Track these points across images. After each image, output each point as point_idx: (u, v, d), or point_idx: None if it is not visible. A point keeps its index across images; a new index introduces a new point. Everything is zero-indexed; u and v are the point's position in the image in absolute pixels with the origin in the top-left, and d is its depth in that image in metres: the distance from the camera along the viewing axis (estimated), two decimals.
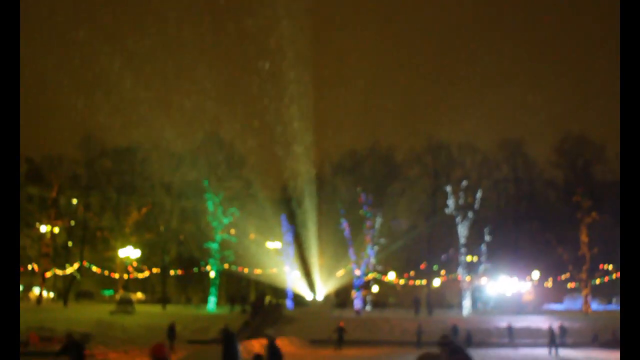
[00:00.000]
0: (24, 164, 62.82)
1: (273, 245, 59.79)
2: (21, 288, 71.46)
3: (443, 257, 58.97)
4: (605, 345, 37.18)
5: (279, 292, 61.64)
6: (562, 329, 37.49)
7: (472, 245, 56.90)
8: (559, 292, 68.40)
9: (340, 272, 59.79)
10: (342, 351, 34.62)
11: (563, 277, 62.22)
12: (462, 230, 56.43)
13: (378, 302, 65.85)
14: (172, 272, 65.88)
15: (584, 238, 56.63)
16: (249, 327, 41.03)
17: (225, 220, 56.87)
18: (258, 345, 30.15)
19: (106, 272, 63.72)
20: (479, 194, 56.26)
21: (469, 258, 57.31)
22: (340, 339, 35.60)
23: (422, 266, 62.73)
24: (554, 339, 33.90)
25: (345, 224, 57.96)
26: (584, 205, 56.27)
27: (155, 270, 64.28)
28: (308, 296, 59.08)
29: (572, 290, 66.53)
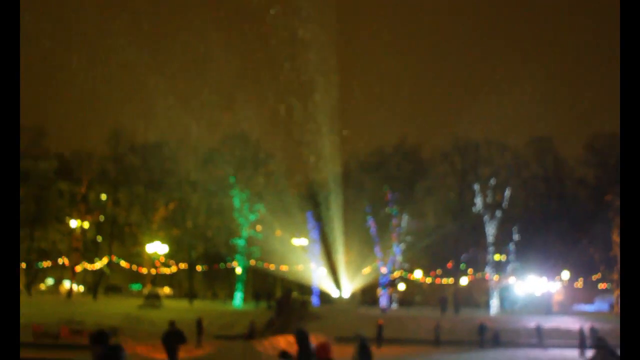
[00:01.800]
0: (55, 160, 63.92)
1: (299, 242, 59.87)
2: (52, 281, 72.84)
3: (463, 256, 58.43)
4: None
5: (305, 289, 61.70)
6: (593, 331, 36.78)
7: (500, 244, 56.27)
8: (589, 293, 67.24)
9: (367, 270, 59.62)
10: (382, 349, 34.33)
11: (594, 277, 61.13)
12: (490, 229, 55.81)
13: (404, 300, 65.54)
14: (198, 268, 66.40)
15: (615, 238, 55.50)
16: (273, 324, 41.10)
17: (252, 217, 57.11)
18: (284, 341, 30.16)
19: (134, 267, 64.50)
20: (507, 193, 55.55)
21: (497, 257, 56.66)
22: (379, 336, 35.34)
23: (449, 265, 62.20)
24: (584, 341, 33.29)
25: (371, 222, 57.74)
26: (615, 205, 55.14)
27: (182, 265, 64.88)
28: (334, 293, 59.05)
29: (603, 291, 65.35)
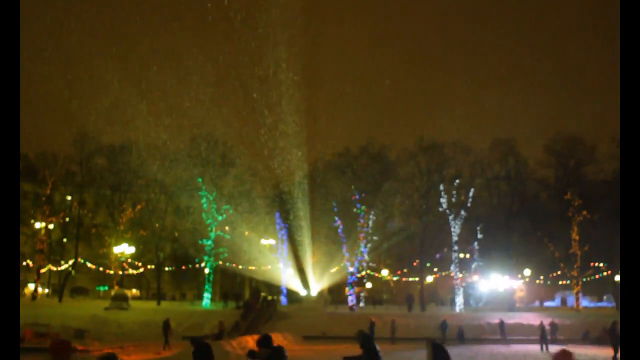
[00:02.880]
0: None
1: (267, 242, 60.08)
2: None
3: (438, 255, 59.41)
4: (596, 341, 37.72)
5: (273, 289, 61.94)
6: (554, 326, 37.98)
7: (465, 243, 57.39)
8: (550, 290, 69.04)
9: (334, 269, 60.13)
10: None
11: (554, 274, 62.82)
12: (455, 228, 56.87)
13: (372, 299, 66.25)
14: (166, 269, 66.07)
15: (575, 236, 57.18)
16: (239, 328, 41.22)
17: (220, 218, 57.10)
18: (252, 341, 30.45)
19: (101, 269, 63.89)
20: (471, 193, 56.70)
21: (461, 255, 57.78)
22: (371, 333, 35.81)
23: (415, 263, 63.15)
24: (545, 336, 34.36)
25: (338, 222, 58.27)
26: (575, 204, 56.81)
27: (149, 266, 64.50)
28: (302, 292, 59.42)
29: (563, 287, 67.18)
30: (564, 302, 70.17)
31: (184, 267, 64.41)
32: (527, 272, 63.60)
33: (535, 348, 34.54)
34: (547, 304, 67.75)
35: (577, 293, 58.39)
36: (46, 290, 69.02)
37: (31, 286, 64.86)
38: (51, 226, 61.90)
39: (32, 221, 60.88)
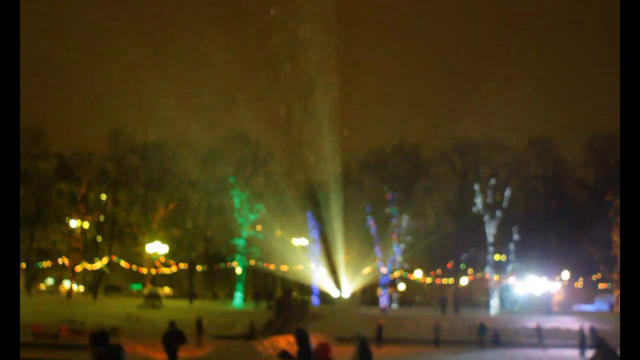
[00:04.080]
0: (55, 161, 63.89)
1: (299, 242, 59.85)
2: (52, 281, 72.83)
3: (463, 256, 58.43)
4: None
5: (305, 289, 61.67)
6: (593, 330, 36.79)
7: (500, 244, 56.26)
8: (589, 293, 67.22)
9: (367, 270, 59.60)
10: (382, 349, 34.34)
11: (594, 277, 61.12)
12: (490, 229, 55.80)
13: (404, 300, 65.53)
14: (198, 268, 66.39)
15: (615, 238, 55.50)
16: (273, 325, 41.05)
17: (252, 217, 57.11)
18: (284, 341, 30.14)
19: (134, 267, 64.48)
20: (507, 193, 55.54)
21: (497, 257, 56.64)
22: (379, 336, 35.36)
23: (449, 265, 62.19)
24: (584, 341, 33.30)
25: (371, 222, 57.72)
26: (616, 205, 55.14)
27: (182, 265, 64.87)
28: (334, 293, 59.03)
29: (602, 291, 65.32)
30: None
31: (216, 267, 64.61)
32: (566, 274, 61.99)
33: (573, 354, 33.51)
34: (586, 307, 65.95)
35: (617, 297, 56.69)
36: (81, 288, 70.03)
37: (67, 284, 65.87)
38: (86, 225, 62.72)
39: (68, 220, 61.81)
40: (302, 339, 9.68)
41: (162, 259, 62.84)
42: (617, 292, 56.52)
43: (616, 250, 55.50)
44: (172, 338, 18.01)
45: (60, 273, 68.61)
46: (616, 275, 55.86)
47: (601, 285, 62.94)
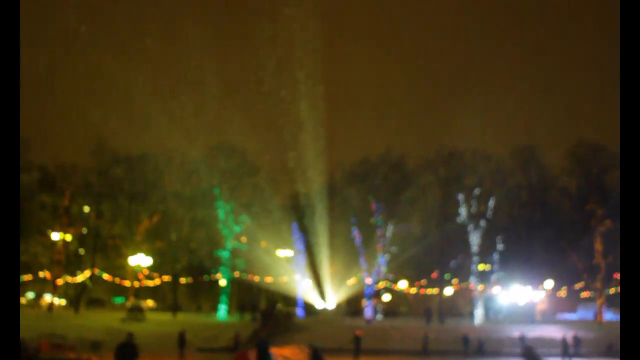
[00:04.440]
0: (37, 172, 63.19)
1: (284, 253, 59.64)
2: (33, 295, 71.79)
3: (452, 263, 58.55)
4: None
5: (290, 301, 61.41)
6: (576, 339, 36.99)
7: (485, 254, 56.46)
8: (572, 302, 67.60)
9: (351, 281, 59.49)
10: None
11: (577, 286, 61.47)
12: (475, 239, 55.99)
13: (389, 311, 65.43)
14: (182, 280, 65.86)
15: (598, 247, 55.97)
16: (258, 336, 40.84)
17: (236, 228, 56.84)
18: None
19: (117, 280, 63.84)
20: (491, 202, 55.83)
21: (481, 267, 56.83)
22: (357, 348, 35.27)
23: (434, 275, 62.27)
24: (567, 349, 33.45)
25: (356, 232, 57.70)
26: (598, 214, 55.66)
27: (166, 278, 64.31)
28: (319, 305, 58.83)
29: (586, 299, 65.71)
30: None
31: (200, 279, 64.16)
32: (549, 283, 62.31)
33: None
34: (569, 316, 66.28)
35: (600, 305, 57.06)
36: (63, 302, 69.10)
37: (48, 297, 64.97)
38: (68, 237, 61.99)
39: (50, 232, 61.05)
40: (262, 350, 9.65)
41: (146, 272, 62.28)
42: (600, 301, 56.89)
43: (599, 259, 55.94)
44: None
45: (42, 286, 67.66)
46: (599, 284, 56.25)
47: (584, 294, 63.32)
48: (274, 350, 30.86)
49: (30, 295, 72.59)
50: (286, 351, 26.54)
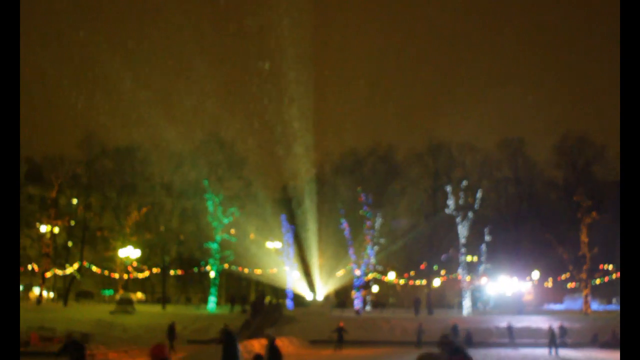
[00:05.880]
0: (25, 164, 62.69)
1: (273, 245, 59.81)
2: (21, 288, 71.49)
3: (443, 256, 58.96)
4: (605, 345, 37.19)
5: (279, 292, 61.68)
6: (562, 329, 37.46)
7: (472, 245, 56.89)
8: (559, 292, 68.40)
9: (340, 272, 59.77)
10: (342, 351, 34.62)
11: (563, 277, 62.16)
12: (463, 230, 56.39)
13: (378, 302, 65.88)
14: (172, 272, 65.86)
15: (584, 238, 56.54)
16: (249, 327, 41.04)
17: (225, 220, 56.87)
18: (258, 345, 30.17)
19: (106, 272, 63.72)
20: (479, 194, 56.25)
21: (469, 258, 57.29)
22: (340, 339, 35.58)
23: (422, 266, 62.70)
24: (554, 339, 33.89)
25: (345, 224, 57.91)
26: (584, 205, 56.18)
27: (155, 270, 64.28)
28: (308, 296, 59.09)
29: (572, 290, 66.52)
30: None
31: (189, 271, 64.19)
32: (536, 274, 63.01)
33: (543, 352, 34.10)
34: (556, 307, 67.04)
35: (586, 296, 57.74)
36: (51, 294, 68.88)
37: (36, 290, 64.75)
38: (56, 230, 61.74)
39: (38, 224, 60.77)
40: (270, 344, 9.81)
41: (135, 264, 62.17)
42: (586, 292, 57.59)
43: (584, 250, 56.55)
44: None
45: (30, 279, 67.39)
46: (585, 275, 56.91)
47: (570, 285, 64.07)
48: (255, 342, 31.10)
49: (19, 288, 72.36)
50: (278, 342, 26.67)
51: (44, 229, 60.13)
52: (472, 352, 33.79)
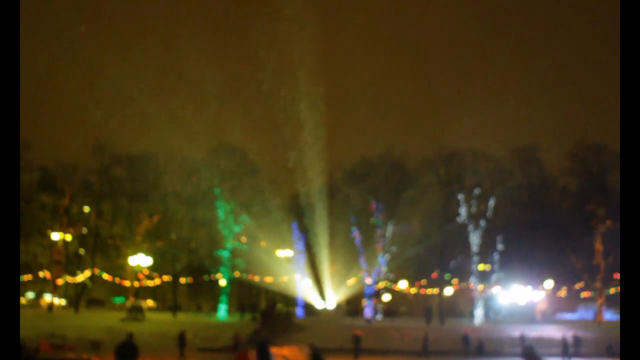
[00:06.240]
0: (37, 172, 63.19)
1: (284, 253, 59.64)
2: (33, 295, 71.83)
3: (452, 263, 58.53)
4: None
5: (290, 300, 61.40)
6: (576, 339, 36.98)
7: (485, 254, 56.44)
8: (572, 301, 67.55)
9: (351, 281, 59.47)
10: None
11: (577, 286, 61.41)
12: (475, 239, 55.96)
13: (389, 311, 65.42)
14: (182, 280, 65.85)
15: (598, 247, 55.91)
16: (258, 335, 40.83)
17: (236, 228, 56.82)
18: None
19: (117, 280, 63.82)
20: (491, 202, 55.80)
21: (481, 267, 56.80)
22: (357, 347, 35.24)
23: (434, 275, 62.24)
24: (567, 349, 33.44)
25: (356, 232, 57.67)
26: (598, 214, 55.59)
27: (166, 278, 64.31)
28: (319, 304, 58.81)
29: (586, 299, 65.70)
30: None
31: (200, 279, 64.14)
32: (549, 283, 62.27)
33: None
34: (569, 316, 66.22)
35: (600, 305, 57.02)
36: (63, 302, 69.12)
37: (48, 297, 65.00)
38: (68, 237, 62.02)
39: (50, 232, 61.07)
40: (263, 350, 9.68)
41: (146, 272, 62.28)
42: (600, 301, 56.84)
43: (599, 259, 55.89)
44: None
45: (42, 286, 67.68)
46: (599, 284, 56.21)
47: (584, 294, 63.28)
48: (274, 350, 30.94)
49: (31, 295, 72.63)
50: (285, 351, 26.57)
51: (56, 236, 60.39)
52: None
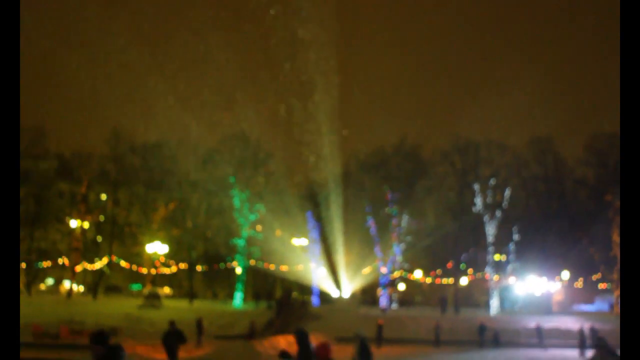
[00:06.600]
0: (54, 160, 63.87)
1: (299, 242, 59.83)
2: (52, 281, 72.81)
3: (463, 256, 58.41)
4: None
5: (305, 289, 61.65)
6: (594, 331, 36.75)
7: (500, 244, 56.23)
8: (589, 293, 67.14)
9: (367, 270, 59.56)
10: (381, 349, 34.29)
11: (594, 277, 61.01)
12: (490, 229, 55.75)
13: (404, 300, 65.50)
14: (199, 268, 66.38)
15: (615, 238, 55.43)
16: (274, 323, 41.09)
17: (252, 217, 57.08)
18: (284, 341, 30.16)
19: (134, 267, 64.47)
20: (507, 193, 55.52)
21: (497, 257, 56.61)
22: (379, 337, 35.29)
23: (449, 265, 62.16)
24: (584, 341, 33.26)
25: (371, 222, 57.68)
26: (616, 205, 55.05)
27: (182, 265, 64.85)
28: (334, 293, 59.01)
29: (603, 291, 65.27)
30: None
31: (215, 267, 64.58)
32: (566, 274, 61.93)
33: (573, 354, 33.47)
34: (586, 307, 65.86)
35: (617, 297, 56.62)
36: (81, 288, 70.02)
37: (67, 284, 65.86)
38: (86, 225, 62.70)
39: (68, 219, 61.79)
40: (302, 339, 9.71)
41: (162, 259, 62.82)
42: (617, 292, 56.45)
43: (616, 250, 55.41)
44: (173, 338, 18.00)
45: (60, 273, 68.59)
46: (616, 276, 55.79)
47: (601, 286, 62.86)
48: (281, 338, 31.12)
49: (50, 281, 73.67)
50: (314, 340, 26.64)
51: (74, 224, 61.10)
52: (499, 353, 33.27)
